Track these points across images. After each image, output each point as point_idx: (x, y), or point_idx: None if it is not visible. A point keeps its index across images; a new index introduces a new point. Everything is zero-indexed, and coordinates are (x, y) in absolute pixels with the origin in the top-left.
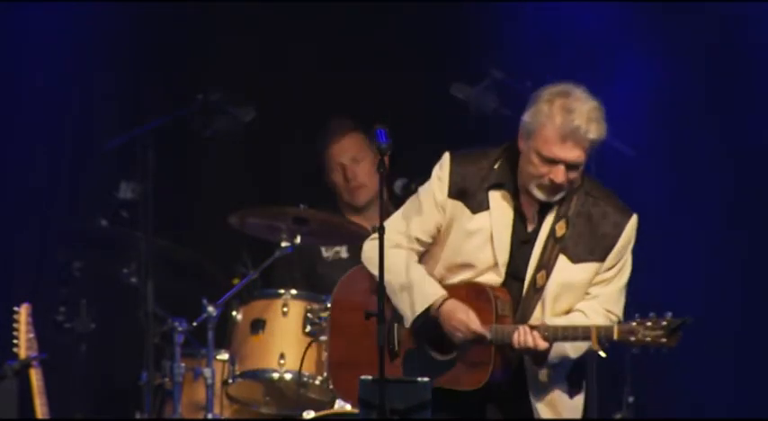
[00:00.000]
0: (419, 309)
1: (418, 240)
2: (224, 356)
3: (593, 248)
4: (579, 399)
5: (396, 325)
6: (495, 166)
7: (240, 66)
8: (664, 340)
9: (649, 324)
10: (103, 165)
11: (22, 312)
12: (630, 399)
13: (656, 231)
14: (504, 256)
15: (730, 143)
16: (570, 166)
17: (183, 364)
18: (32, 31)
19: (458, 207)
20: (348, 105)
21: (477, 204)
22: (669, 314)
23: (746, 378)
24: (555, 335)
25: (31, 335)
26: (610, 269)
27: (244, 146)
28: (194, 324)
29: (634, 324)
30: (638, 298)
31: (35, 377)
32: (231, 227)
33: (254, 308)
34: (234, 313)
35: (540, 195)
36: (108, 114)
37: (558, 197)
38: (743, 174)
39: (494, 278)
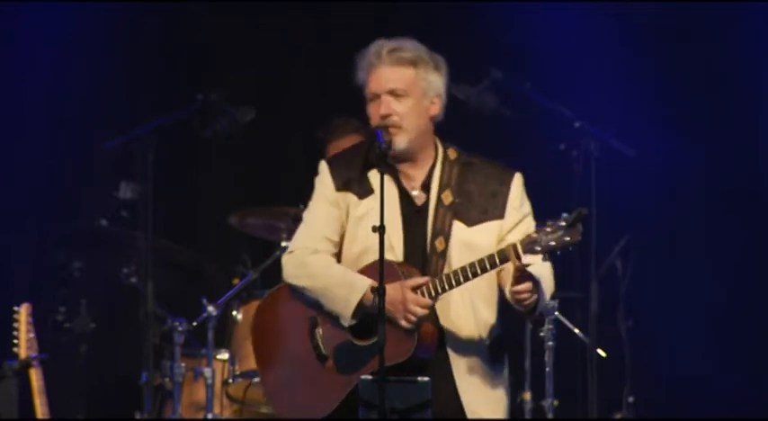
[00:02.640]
0: (353, 303)
1: (329, 240)
2: (224, 356)
3: (485, 209)
4: (504, 373)
5: (316, 330)
6: (368, 151)
7: (240, 66)
8: (567, 238)
9: (548, 229)
10: (103, 165)
11: (22, 312)
12: (630, 399)
13: (655, 231)
14: (397, 235)
15: (727, 144)
16: (396, 94)
17: (182, 364)
18: (33, 31)
19: (347, 197)
20: (348, 105)
21: (363, 190)
22: (564, 215)
23: (746, 378)
24: (449, 283)
25: (31, 335)
26: (518, 224)
27: (244, 146)
28: (194, 324)
29: (534, 234)
30: (638, 297)
31: (35, 377)
32: (231, 227)
33: (254, 308)
34: (234, 313)
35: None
36: (108, 114)
37: (400, 139)
38: (742, 173)
39: (392, 257)
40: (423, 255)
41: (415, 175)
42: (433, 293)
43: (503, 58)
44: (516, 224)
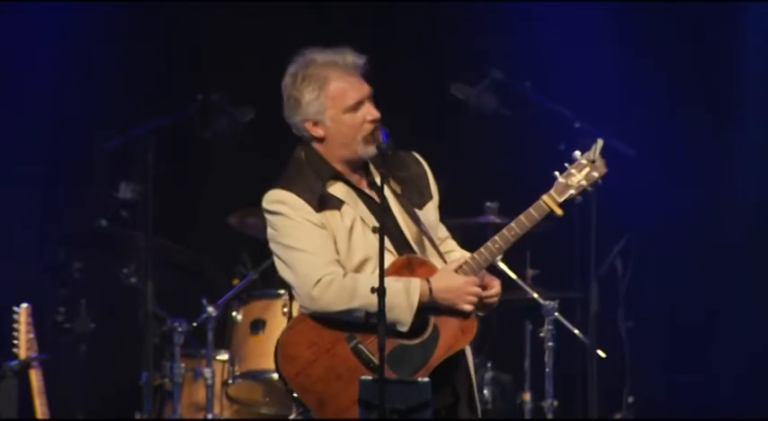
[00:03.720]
0: (415, 304)
1: (338, 261)
2: (224, 356)
3: (420, 190)
4: None
5: (359, 346)
6: (309, 169)
7: (240, 66)
8: (596, 173)
9: (573, 171)
10: (103, 165)
11: (22, 312)
12: (630, 399)
13: (655, 231)
14: (383, 246)
15: (726, 141)
16: (371, 99)
17: (182, 365)
18: (33, 31)
19: (327, 214)
20: None
21: (335, 202)
22: (576, 153)
23: (746, 378)
24: (506, 241)
25: (31, 336)
26: (438, 204)
27: (244, 146)
28: (194, 324)
29: (562, 179)
30: (638, 297)
31: (35, 377)
32: (231, 227)
33: (254, 308)
34: (234, 313)
35: (369, 150)
36: (108, 114)
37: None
38: (742, 173)
39: (390, 256)
40: (409, 247)
41: (360, 178)
42: (477, 270)
43: (503, 58)
44: (437, 205)
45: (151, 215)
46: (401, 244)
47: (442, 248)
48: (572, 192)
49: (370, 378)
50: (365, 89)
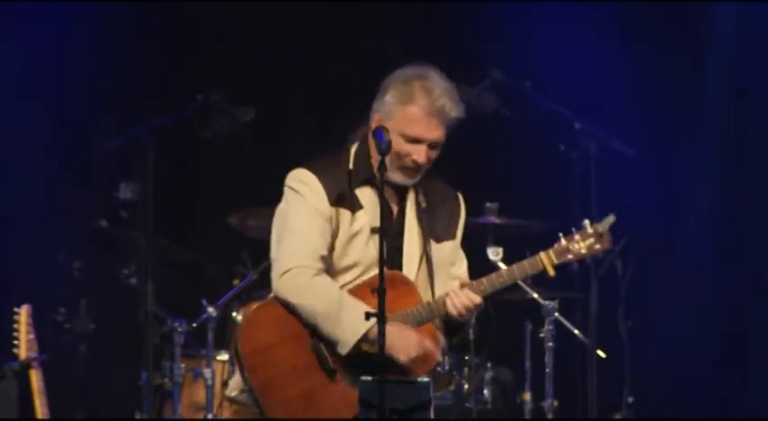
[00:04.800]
0: (361, 332)
1: (323, 258)
2: (224, 357)
3: (446, 227)
4: None
5: (319, 345)
6: (351, 165)
7: (240, 66)
8: (598, 246)
9: (578, 237)
10: (103, 165)
11: (22, 313)
12: (630, 399)
13: (656, 231)
14: (384, 249)
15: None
16: (432, 146)
17: (182, 365)
18: (33, 31)
19: (340, 212)
20: (348, 106)
21: (353, 205)
22: (586, 221)
23: (746, 378)
24: (492, 285)
25: (32, 336)
26: (459, 245)
27: (244, 146)
28: (194, 324)
29: (564, 242)
30: (638, 298)
31: (35, 377)
32: (231, 227)
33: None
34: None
35: (399, 178)
36: (108, 114)
37: (415, 180)
38: (742, 173)
39: (376, 271)
40: (399, 268)
41: (392, 194)
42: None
43: (503, 58)
44: (461, 257)
45: (151, 215)
46: (393, 262)
47: (452, 271)
48: (570, 257)
49: (369, 378)
50: (433, 134)
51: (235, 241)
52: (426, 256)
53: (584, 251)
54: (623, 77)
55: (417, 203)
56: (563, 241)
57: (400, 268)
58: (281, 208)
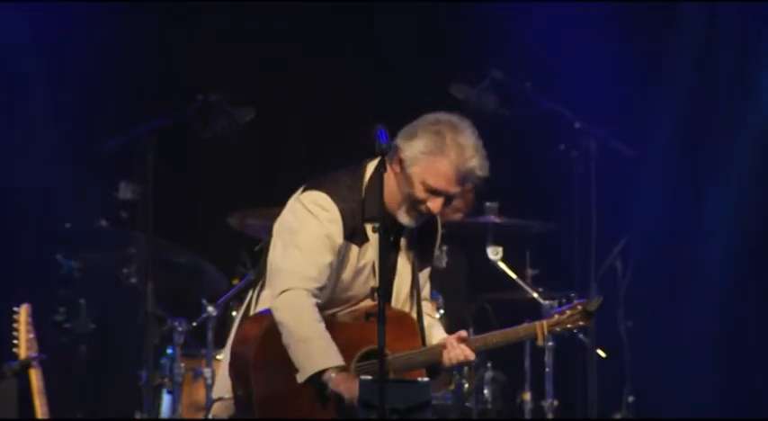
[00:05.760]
0: (318, 367)
1: (324, 288)
2: (224, 357)
3: (428, 252)
4: None
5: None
6: (363, 195)
7: (240, 66)
8: (581, 323)
9: (568, 312)
10: (103, 165)
11: (22, 312)
12: (630, 399)
13: (655, 232)
14: (381, 283)
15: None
16: (449, 198)
17: (182, 364)
18: (33, 31)
19: (350, 247)
20: (348, 106)
21: (361, 239)
22: (574, 298)
23: (746, 378)
24: (485, 344)
25: (31, 336)
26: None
27: (243, 146)
28: (194, 324)
29: (557, 317)
30: (637, 298)
31: (35, 377)
32: (231, 227)
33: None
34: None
35: (405, 220)
36: (108, 114)
37: (419, 224)
38: (742, 172)
39: (369, 303)
40: (389, 299)
41: (391, 225)
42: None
43: (503, 58)
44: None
45: (151, 215)
46: (385, 296)
47: (423, 293)
48: (558, 329)
49: (369, 378)
50: (451, 190)
51: (235, 241)
52: (416, 288)
53: (569, 325)
54: (623, 77)
55: (408, 235)
56: (556, 316)
57: (389, 299)
58: (290, 223)
